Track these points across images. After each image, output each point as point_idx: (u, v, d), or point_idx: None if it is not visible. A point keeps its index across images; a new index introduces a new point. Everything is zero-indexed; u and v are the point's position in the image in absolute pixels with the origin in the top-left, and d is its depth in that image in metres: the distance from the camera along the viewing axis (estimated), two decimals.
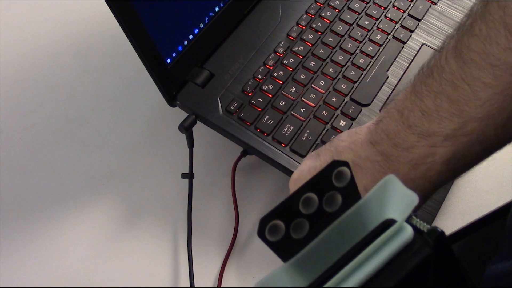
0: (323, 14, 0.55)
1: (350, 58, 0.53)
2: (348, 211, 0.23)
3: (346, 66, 0.52)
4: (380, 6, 0.56)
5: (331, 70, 0.51)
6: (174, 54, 0.47)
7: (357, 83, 0.51)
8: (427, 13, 0.57)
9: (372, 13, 0.56)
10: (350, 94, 0.50)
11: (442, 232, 0.23)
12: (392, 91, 0.51)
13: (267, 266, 0.47)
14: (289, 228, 0.23)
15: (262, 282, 0.22)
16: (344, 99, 0.50)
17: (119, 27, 0.42)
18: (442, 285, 0.24)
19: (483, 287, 0.36)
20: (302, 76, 0.51)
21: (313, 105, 0.49)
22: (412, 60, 0.53)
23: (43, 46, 0.60)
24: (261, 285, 0.22)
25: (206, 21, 0.50)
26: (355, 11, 0.56)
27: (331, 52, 0.53)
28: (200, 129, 0.48)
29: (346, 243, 0.23)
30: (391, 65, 0.53)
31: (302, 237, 0.23)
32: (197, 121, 0.48)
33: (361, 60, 0.52)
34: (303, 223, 0.23)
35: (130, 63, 0.58)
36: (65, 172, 0.52)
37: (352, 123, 0.49)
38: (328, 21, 0.55)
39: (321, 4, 0.56)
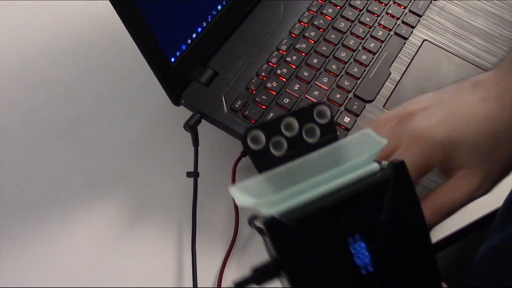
0: (324, 11, 0.55)
1: (352, 54, 0.53)
2: (326, 147, 0.26)
3: (349, 62, 0.52)
4: (381, 2, 0.57)
5: (334, 67, 0.52)
6: (178, 53, 0.47)
7: (360, 79, 0.51)
8: (428, 9, 0.57)
9: (374, 9, 0.56)
10: (353, 90, 0.51)
11: (402, 162, 0.25)
12: (395, 87, 0.51)
13: None
14: (269, 142, 0.26)
15: (237, 187, 0.25)
16: (347, 96, 0.50)
17: (121, 26, 0.42)
18: (398, 217, 0.25)
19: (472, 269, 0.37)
20: (306, 73, 0.51)
21: (317, 102, 0.49)
22: (414, 56, 0.54)
23: (44, 45, 0.60)
24: (236, 189, 0.25)
25: (209, 20, 0.50)
26: (356, 8, 0.56)
27: (334, 49, 0.53)
28: (204, 128, 0.48)
29: (317, 172, 0.25)
30: (393, 61, 0.53)
31: (279, 155, 0.26)
32: (202, 120, 0.48)
33: (364, 57, 0.53)
34: (282, 142, 0.26)
35: (132, 62, 0.58)
36: (66, 172, 0.52)
37: (356, 120, 0.49)
38: (330, 18, 0.55)
39: (322, 1, 0.56)
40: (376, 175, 0.25)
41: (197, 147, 0.48)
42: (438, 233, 0.48)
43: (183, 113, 0.48)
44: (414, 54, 0.54)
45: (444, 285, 0.26)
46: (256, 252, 0.48)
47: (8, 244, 0.48)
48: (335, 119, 0.49)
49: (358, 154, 0.25)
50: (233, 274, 0.47)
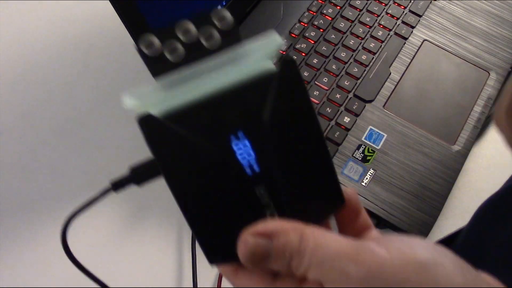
0: (324, 11, 0.55)
1: (352, 54, 0.53)
2: (225, 53, 0.24)
3: (349, 62, 0.52)
4: (381, 2, 0.57)
5: (334, 67, 0.52)
6: None
7: (360, 79, 0.51)
8: (427, 9, 0.57)
9: (373, 9, 0.56)
10: (353, 90, 0.51)
11: (291, 59, 0.23)
12: (395, 87, 0.51)
13: None
14: (164, 47, 0.24)
15: (129, 92, 0.24)
16: (347, 96, 0.50)
17: (120, 26, 0.42)
18: (286, 117, 0.24)
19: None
20: (305, 73, 0.51)
21: (317, 102, 0.49)
22: (414, 56, 0.54)
23: (43, 45, 0.60)
24: (127, 94, 0.24)
25: None
26: (356, 8, 0.56)
27: (334, 49, 0.53)
28: None
29: (215, 80, 0.24)
30: (393, 61, 0.53)
31: (175, 61, 0.24)
32: None
33: (364, 57, 0.53)
34: (178, 47, 0.25)
35: (132, 62, 0.58)
36: (66, 172, 0.52)
37: (356, 119, 0.49)
38: (330, 18, 0.55)
39: (322, 1, 0.56)
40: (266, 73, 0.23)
41: None
42: (438, 233, 0.48)
43: None
44: (414, 54, 0.54)
45: None
46: None
47: (8, 244, 0.48)
48: (335, 119, 0.49)
49: (259, 60, 0.24)
50: None
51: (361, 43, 0.54)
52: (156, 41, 0.25)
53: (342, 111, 0.49)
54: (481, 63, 0.54)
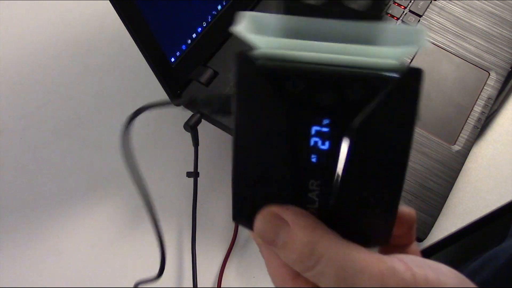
0: None
1: None
2: (361, 22, 0.21)
3: None
4: None
5: None
6: (178, 53, 0.47)
7: None
8: (428, 9, 0.57)
9: None
10: None
11: (419, 70, 0.21)
12: None
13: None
14: None
15: (249, 15, 0.21)
16: None
17: (120, 26, 0.42)
18: (380, 125, 0.21)
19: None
20: None
21: None
22: (414, 56, 0.54)
23: (43, 45, 0.60)
24: (246, 17, 0.21)
25: (209, 20, 0.50)
26: None
27: None
28: (204, 128, 0.48)
29: (334, 51, 0.21)
30: None
31: (312, 3, 0.22)
32: (202, 120, 0.48)
33: None
34: None
35: (132, 62, 0.58)
36: (66, 172, 0.52)
37: None
38: None
39: None
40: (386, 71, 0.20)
41: (197, 147, 0.48)
42: (438, 233, 0.48)
43: (183, 113, 0.48)
44: (414, 54, 0.54)
45: None
46: (256, 252, 0.48)
47: (8, 244, 0.48)
48: None
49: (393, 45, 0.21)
50: (233, 274, 0.47)
51: None
52: None
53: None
54: (481, 63, 0.54)
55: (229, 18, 0.52)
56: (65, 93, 0.57)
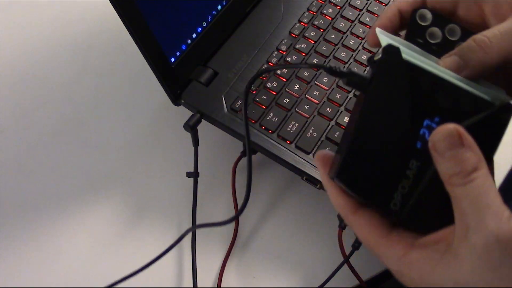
0: (324, 11, 0.55)
1: (352, 54, 0.53)
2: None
3: (349, 62, 0.52)
4: (381, 2, 0.57)
5: None
6: (178, 53, 0.47)
7: None
8: None
9: (373, 9, 0.56)
10: (353, 90, 0.51)
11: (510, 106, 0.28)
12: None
13: (267, 266, 0.47)
14: (428, 28, 0.33)
15: (383, 33, 0.31)
16: (347, 96, 0.50)
17: (120, 27, 0.42)
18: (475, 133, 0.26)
19: None
20: (306, 73, 0.51)
21: (317, 102, 0.49)
22: None
23: (43, 45, 0.60)
24: (381, 33, 0.31)
25: (209, 20, 0.50)
26: (356, 8, 0.56)
27: (334, 49, 0.53)
28: (204, 128, 0.48)
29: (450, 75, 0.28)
30: None
31: (435, 42, 0.32)
32: (202, 120, 0.48)
33: (364, 57, 0.53)
34: (438, 35, 0.33)
35: (132, 62, 0.58)
36: (66, 172, 0.52)
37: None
38: (330, 18, 0.55)
39: (322, 1, 0.56)
40: (491, 101, 0.28)
41: (197, 147, 0.48)
42: None
43: (183, 113, 0.48)
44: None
45: None
46: (256, 252, 0.48)
47: (8, 244, 0.48)
48: (335, 119, 0.49)
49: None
50: (233, 274, 0.47)
51: (361, 43, 0.54)
52: (429, 16, 0.33)
53: (342, 111, 0.49)
54: None
55: (229, 18, 0.52)
56: (65, 93, 0.57)
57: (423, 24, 0.33)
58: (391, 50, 0.27)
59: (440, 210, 0.27)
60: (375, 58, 0.28)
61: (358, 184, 0.28)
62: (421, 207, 0.27)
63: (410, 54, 0.28)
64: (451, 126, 0.26)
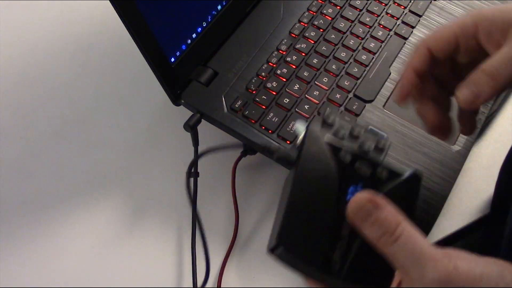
0: (324, 11, 0.55)
1: (352, 54, 0.53)
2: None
3: (349, 62, 0.52)
4: (381, 2, 0.57)
5: (334, 67, 0.52)
6: (178, 53, 0.47)
7: (360, 79, 0.51)
8: (427, 9, 0.57)
9: (373, 9, 0.56)
10: (353, 90, 0.51)
11: (417, 176, 0.32)
12: (395, 87, 0.51)
13: (267, 266, 0.47)
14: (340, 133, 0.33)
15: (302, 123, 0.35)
16: (347, 96, 0.50)
17: (120, 27, 0.42)
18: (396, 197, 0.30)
19: None
20: (306, 73, 0.51)
21: (317, 102, 0.49)
22: None
23: (43, 45, 0.60)
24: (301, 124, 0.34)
25: (209, 20, 0.50)
26: (356, 8, 0.56)
27: (334, 49, 0.53)
28: (204, 128, 0.48)
29: None
30: (393, 61, 0.53)
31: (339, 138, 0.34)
32: (202, 120, 0.48)
33: (364, 57, 0.53)
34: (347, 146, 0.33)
35: (132, 62, 0.58)
36: (66, 172, 0.52)
37: (356, 120, 0.49)
38: (330, 18, 0.55)
39: (322, 1, 0.56)
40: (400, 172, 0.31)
41: (197, 147, 0.48)
42: (438, 233, 0.48)
43: (183, 113, 0.48)
44: None
45: None
46: (256, 252, 0.48)
47: (8, 244, 0.48)
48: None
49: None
50: (233, 274, 0.47)
51: (361, 43, 0.54)
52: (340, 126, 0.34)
53: (342, 111, 0.49)
54: None
55: (229, 18, 0.52)
56: (65, 93, 0.57)
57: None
58: (313, 132, 0.32)
59: (379, 263, 0.28)
60: (298, 142, 0.32)
61: (296, 251, 0.30)
62: (360, 262, 0.29)
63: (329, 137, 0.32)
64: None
